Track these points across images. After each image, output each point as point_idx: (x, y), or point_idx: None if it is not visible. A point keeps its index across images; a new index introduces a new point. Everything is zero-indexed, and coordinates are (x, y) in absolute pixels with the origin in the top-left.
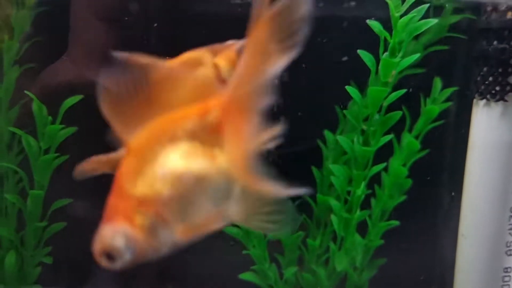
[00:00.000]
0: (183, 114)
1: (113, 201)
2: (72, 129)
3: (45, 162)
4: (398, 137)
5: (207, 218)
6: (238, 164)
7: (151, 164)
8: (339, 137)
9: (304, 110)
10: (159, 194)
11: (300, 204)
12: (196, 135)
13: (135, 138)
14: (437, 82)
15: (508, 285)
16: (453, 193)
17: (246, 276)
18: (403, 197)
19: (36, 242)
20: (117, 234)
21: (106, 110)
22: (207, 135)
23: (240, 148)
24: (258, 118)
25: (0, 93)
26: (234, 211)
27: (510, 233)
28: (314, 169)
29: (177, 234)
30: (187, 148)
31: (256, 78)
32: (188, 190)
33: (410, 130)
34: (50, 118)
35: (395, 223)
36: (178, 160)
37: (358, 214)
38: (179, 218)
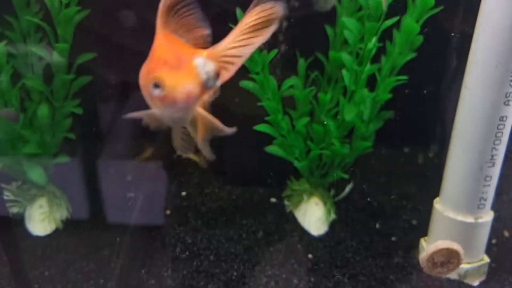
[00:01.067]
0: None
1: (184, 50)
2: None
3: (67, 16)
4: None
5: None
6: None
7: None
8: None
9: None
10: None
11: (313, 61)
12: None
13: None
14: None
15: (502, 132)
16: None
17: (261, 127)
18: (413, 54)
19: (65, 94)
20: (209, 61)
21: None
22: None
23: None
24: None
25: None
26: None
27: (510, 84)
28: (328, 27)
29: None
30: None
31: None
32: None
33: None
34: None
35: (403, 78)
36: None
37: (368, 67)
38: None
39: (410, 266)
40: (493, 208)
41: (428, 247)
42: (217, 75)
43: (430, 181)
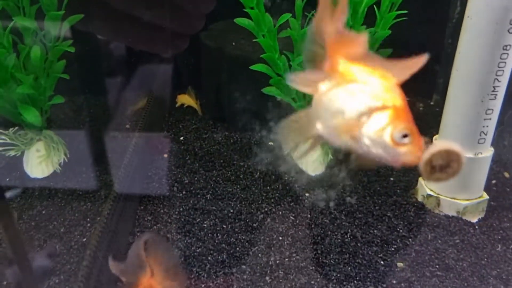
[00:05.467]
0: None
1: None
2: None
3: None
4: None
5: None
6: None
7: None
8: None
9: None
10: None
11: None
12: None
13: None
14: None
15: (505, 62)
16: None
17: (257, 67)
18: None
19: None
20: None
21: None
22: None
23: None
24: None
25: None
26: None
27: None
28: None
29: None
30: None
31: None
32: None
33: None
34: None
35: (403, 12)
36: None
37: (366, 0)
38: None
39: (408, 204)
40: (494, 151)
41: (426, 149)
42: None
43: (430, 126)
